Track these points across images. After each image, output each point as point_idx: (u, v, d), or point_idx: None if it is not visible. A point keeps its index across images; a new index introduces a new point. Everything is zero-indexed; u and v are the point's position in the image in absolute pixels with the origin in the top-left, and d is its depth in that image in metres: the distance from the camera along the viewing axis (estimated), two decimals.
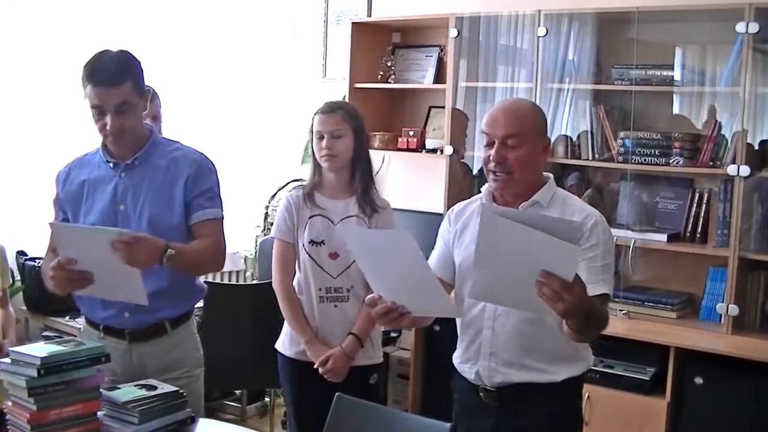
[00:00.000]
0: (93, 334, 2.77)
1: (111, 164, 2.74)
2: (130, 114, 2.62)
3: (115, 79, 2.57)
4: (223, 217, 2.80)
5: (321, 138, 3.12)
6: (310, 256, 3.15)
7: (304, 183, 3.27)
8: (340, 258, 3.14)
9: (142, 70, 2.68)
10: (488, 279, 2.15)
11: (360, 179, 3.18)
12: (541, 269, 1.98)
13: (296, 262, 3.20)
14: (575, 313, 2.07)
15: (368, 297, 2.30)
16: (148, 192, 2.71)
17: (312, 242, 3.14)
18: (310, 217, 3.16)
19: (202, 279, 2.95)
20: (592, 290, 2.34)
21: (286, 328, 3.27)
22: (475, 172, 4.66)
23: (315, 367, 3.10)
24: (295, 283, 3.21)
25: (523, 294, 2.06)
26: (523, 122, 2.44)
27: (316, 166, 3.20)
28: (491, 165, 2.43)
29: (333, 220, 3.16)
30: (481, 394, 2.55)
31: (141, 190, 2.71)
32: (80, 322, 4.11)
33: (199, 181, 2.74)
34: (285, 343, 3.25)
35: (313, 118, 3.19)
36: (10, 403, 2.28)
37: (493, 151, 2.41)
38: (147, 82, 2.71)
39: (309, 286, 3.16)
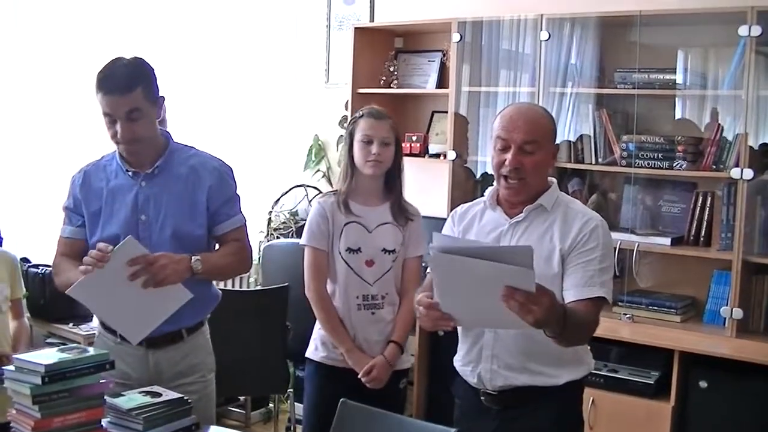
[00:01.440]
0: (109, 339, 2.76)
1: (130, 173, 2.73)
2: (141, 121, 2.61)
3: (125, 86, 2.56)
4: (245, 221, 2.84)
5: (369, 143, 3.09)
6: (347, 263, 3.11)
7: (336, 189, 3.21)
8: (375, 265, 3.12)
9: (156, 78, 2.68)
10: (453, 308, 2.17)
11: (396, 189, 3.19)
12: (504, 285, 2.00)
13: (329, 270, 3.16)
14: (547, 322, 2.09)
15: (425, 301, 2.22)
16: (169, 202, 2.71)
17: (349, 250, 3.11)
18: (346, 224, 3.12)
19: (216, 286, 2.96)
20: (588, 293, 2.36)
21: (318, 332, 3.22)
22: (478, 176, 4.66)
23: (359, 376, 3.07)
24: (328, 291, 3.17)
25: (493, 314, 2.08)
26: (540, 128, 2.45)
27: (353, 172, 3.15)
28: (505, 170, 2.43)
29: (368, 228, 3.13)
30: (482, 397, 2.55)
31: (162, 199, 2.71)
32: (84, 329, 4.15)
33: (222, 191, 2.78)
34: (318, 350, 3.20)
35: (356, 122, 3.16)
36: (14, 411, 2.27)
37: (510, 156, 2.41)
38: None
39: (347, 294, 3.12)
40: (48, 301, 4.25)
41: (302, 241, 3.20)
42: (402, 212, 3.18)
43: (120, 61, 2.63)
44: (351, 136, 3.15)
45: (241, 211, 2.83)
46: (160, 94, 2.71)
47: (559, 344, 2.30)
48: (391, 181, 3.19)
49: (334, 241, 3.13)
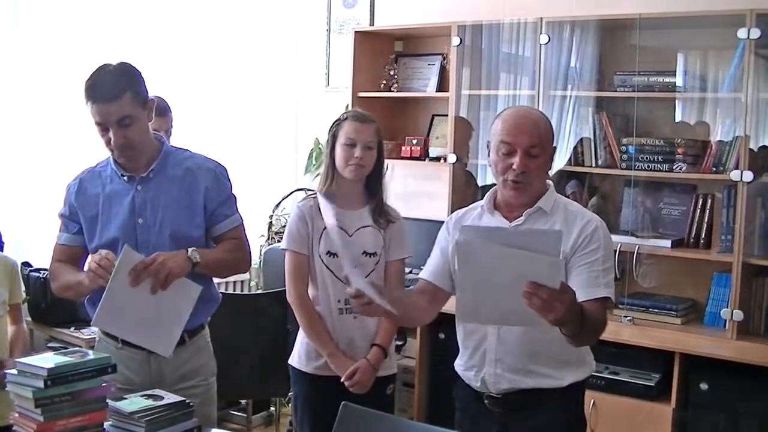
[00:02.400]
0: (110, 344, 2.76)
1: (125, 177, 2.73)
2: (133, 127, 2.61)
3: (113, 93, 2.56)
4: (242, 220, 2.84)
5: (352, 146, 3.05)
6: (328, 267, 3.09)
7: (314, 193, 3.18)
8: (357, 269, 3.10)
9: (144, 80, 2.67)
10: (473, 300, 2.16)
11: (377, 193, 3.15)
12: (529, 281, 1.99)
13: (310, 274, 3.13)
14: (567, 320, 2.10)
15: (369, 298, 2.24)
16: (166, 204, 2.72)
17: (329, 253, 3.08)
18: (325, 228, 3.06)
19: (217, 290, 2.96)
20: (593, 294, 2.37)
21: (300, 342, 3.20)
22: (478, 179, 4.66)
23: (341, 380, 3.03)
24: (311, 295, 3.15)
25: (512, 309, 2.07)
26: (543, 131, 2.48)
27: (333, 174, 3.11)
28: (512, 174, 2.44)
29: (348, 231, 3.09)
30: (485, 401, 2.55)
31: (159, 202, 2.72)
32: (86, 333, 4.15)
33: (218, 191, 2.78)
34: (301, 359, 3.17)
35: (339, 124, 3.12)
36: (16, 414, 2.28)
37: (517, 160, 2.43)
38: (155, 93, 2.72)
39: (328, 298, 3.10)
40: (49, 306, 4.25)
41: (282, 245, 3.18)
42: (383, 216, 3.15)
43: (106, 67, 2.62)
44: (334, 138, 3.12)
45: (237, 211, 2.83)
46: (158, 97, 2.71)
47: (572, 344, 2.31)
48: (372, 185, 3.15)
49: (314, 245, 3.10)
